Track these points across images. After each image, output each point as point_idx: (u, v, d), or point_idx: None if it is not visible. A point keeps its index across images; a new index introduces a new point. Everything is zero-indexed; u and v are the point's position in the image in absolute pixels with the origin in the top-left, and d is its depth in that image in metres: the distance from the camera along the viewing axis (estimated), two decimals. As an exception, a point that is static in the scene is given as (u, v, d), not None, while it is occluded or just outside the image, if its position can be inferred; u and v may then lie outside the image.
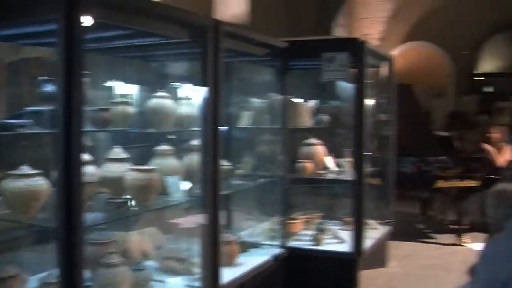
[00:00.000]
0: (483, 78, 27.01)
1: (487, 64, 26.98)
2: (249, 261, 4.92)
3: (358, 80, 5.41)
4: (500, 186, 3.48)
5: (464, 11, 22.49)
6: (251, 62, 5.42)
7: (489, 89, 26.82)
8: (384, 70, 6.71)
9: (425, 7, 21.72)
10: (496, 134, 8.99)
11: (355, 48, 5.39)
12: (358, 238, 5.52)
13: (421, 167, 8.56)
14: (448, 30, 23.01)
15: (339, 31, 15.52)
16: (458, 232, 7.89)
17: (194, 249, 4.22)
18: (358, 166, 5.54)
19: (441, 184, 7.84)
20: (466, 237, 7.84)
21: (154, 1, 3.52)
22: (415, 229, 8.81)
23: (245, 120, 5.55)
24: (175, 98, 4.31)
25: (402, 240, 7.73)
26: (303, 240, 5.88)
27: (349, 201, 6.37)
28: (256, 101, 5.74)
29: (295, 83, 5.72)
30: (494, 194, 3.42)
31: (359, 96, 5.44)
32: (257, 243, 5.47)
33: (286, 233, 5.60)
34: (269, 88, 5.65)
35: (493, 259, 3.10)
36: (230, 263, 4.67)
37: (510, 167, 4.62)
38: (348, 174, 6.00)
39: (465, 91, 24.39)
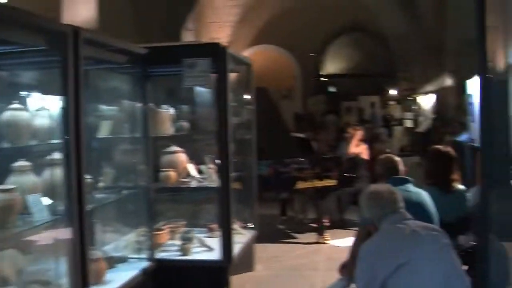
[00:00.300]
0: (327, 79, 28.18)
1: (332, 66, 28.17)
2: (118, 278, 4.71)
3: (220, 85, 5.35)
4: (373, 187, 3.54)
5: (308, 15, 23.26)
6: (110, 69, 5.19)
7: (333, 89, 28.03)
8: (243, 74, 6.72)
9: (271, 11, 22.22)
10: (353, 133, 9.34)
11: (216, 53, 5.32)
12: (226, 245, 5.45)
13: (277, 169, 8.70)
14: (294, 33, 23.69)
15: (188, 36, 15.43)
16: (319, 231, 8.09)
17: (60, 269, 3.94)
18: (224, 172, 5.47)
19: (300, 185, 7.98)
20: (327, 234, 8.06)
21: (7, 6, 3.22)
22: (277, 231, 8.94)
23: (104, 129, 5.28)
24: (31, 109, 4.01)
25: (267, 243, 7.79)
26: (170, 251, 5.73)
27: (213, 207, 6.33)
28: (115, 110, 5.50)
29: (155, 90, 5.56)
30: (368, 196, 3.47)
31: (222, 101, 5.37)
32: (124, 257, 5.24)
33: (153, 245, 5.43)
34: (128, 96, 5.44)
35: (371, 259, 3.15)
36: (99, 281, 4.43)
37: (382, 166, 4.71)
38: (211, 181, 5.94)
39: (311, 92, 25.27)
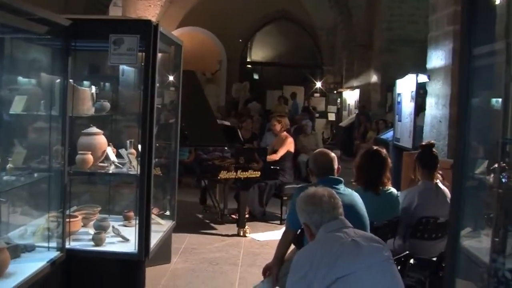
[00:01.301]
0: (252, 66, 28.07)
1: (258, 53, 28.05)
2: (23, 269, 4.27)
3: (149, 65, 4.97)
4: (312, 190, 3.26)
5: (238, 1, 23.06)
6: (29, 39, 4.71)
7: (255, 76, 27.97)
8: (172, 55, 6.37)
9: (201, -7, 21.86)
10: (277, 124, 9.11)
11: (146, 31, 4.93)
12: (143, 238, 5.08)
13: (200, 156, 8.40)
14: (222, 18, 23.46)
15: (115, 11, 14.90)
16: (239, 223, 7.84)
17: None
18: (145, 159, 5.09)
19: (223, 174, 7.70)
20: (247, 227, 7.83)
21: None
22: (196, 220, 8.64)
23: (18, 105, 4.80)
24: None
25: (185, 232, 7.49)
26: (83, 240, 5.32)
27: (130, 194, 5.99)
28: (32, 84, 5.04)
29: (77, 65, 5.12)
30: (306, 199, 3.20)
31: (149, 82, 4.99)
32: (32, 245, 4.79)
33: (64, 233, 5.00)
34: (47, 70, 4.99)
35: (305, 269, 2.90)
36: (1, 274, 4.00)
37: (316, 163, 4.45)
38: (131, 167, 5.57)
39: (236, 78, 25.08)
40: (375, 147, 5.14)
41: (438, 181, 5.19)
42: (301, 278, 2.90)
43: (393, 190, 5.01)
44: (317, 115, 20.30)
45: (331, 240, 2.98)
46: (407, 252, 4.19)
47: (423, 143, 5.42)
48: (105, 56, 4.99)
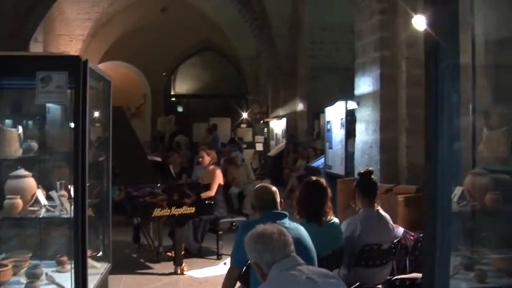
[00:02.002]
0: (176, 99, 27.90)
1: (182, 85, 27.93)
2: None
3: (79, 102, 4.76)
4: (261, 228, 3.13)
5: (161, 33, 22.96)
6: None
7: (181, 109, 27.82)
8: (101, 91, 6.16)
9: (124, 27, 21.68)
10: (206, 157, 8.98)
11: (75, 67, 4.73)
12: (81, 284, 4.82)
13: (130, 193, 8.16)
14: (145, 51, 23.29)
15: (36, 48, 14.54)
16: (176, 260, 7.62)
17: None
18: (79, 201, 4.84)
19: (156, 212, 7.48)
20: (184, 264, 7.62)
21: None
22: (131, 260, 8.37)
23: None
24: None
25: (120, 273, 7.20)
26: (15, 290, 5.01)
27: (61, 237, 5.70)
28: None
29: (3, 104, 4.86)
30: (255, 238, 3.06)
31: (81, 120, 4.77)
32: (-43, 301, 4.47)
33: (-6, 284, 4.70)
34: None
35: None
36: None
37: (259, 198, 4.34)
38: (62, 209, 5.30)
39: (161, 112, 24.86)
40: (314, 178, 5.08)
41: (379, 207, 5.19)
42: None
43: (335, 220, 4.98)
44: (244, 146, 20.23)
45: (285, 280, 2.86)
46: (358, 283, 4.13)
47: (362, 171, 5.41)
48: (31, 94, 4.76)
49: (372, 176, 5.26)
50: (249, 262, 3.90)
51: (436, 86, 2.10)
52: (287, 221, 4.12)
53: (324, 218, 4.81)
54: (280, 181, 15.69)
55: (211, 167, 8.98)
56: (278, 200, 4.31)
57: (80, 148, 4.77)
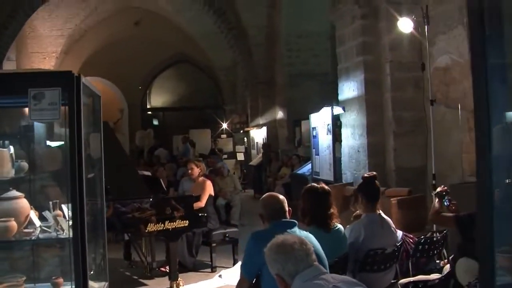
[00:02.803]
0: (152, 112, 27.74)
1: (159, 99, 27.78)
2: None
3: (74, 119, 4.64)
4: (281, 238, 3.03)
5: (135, 48, 22.86)
6: None
7: (156, 122, 27.65)
8: (91, 107, 6.04)
9: (97, 43, 21.55)
10: (195, 168, 8.86)
11: (68, 83, 4.61)
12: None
13: (118, 209, 8.01)
14: (120, 66, 23.14)
15: (9, 66, 14.32)
16: (171, 276, 7.47)
17: None
18: (78, 219, 4.71)
19: (150, 227, 7.33)
20: (180, 279, 7.48)
21: None
22: (123, 277, 8.20)
23: None
24: None
25: (114, 292, 7.05)
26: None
27: (55, 258, 5.57)
28: None
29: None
30: (276, 249, 2.97)
31: (77, 137, 4.65)
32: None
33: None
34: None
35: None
36: None
37: (268, 207, 4.25)
38: (57, 229, 5.16)
39: (139, 126, 24.67)
40: (318, 185, 5.00)
41: (380, 211, 5.14)
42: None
43: (340, 226, 4.91)
44: (225, 156, 20.09)
45: (311, 290, 2.78)
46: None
47: (366, 175, 5.36)
48: (17, 112, 4.64)
49: (376, 181, 5.20)
50: (259, 273, 3.83)
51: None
52: (297, 230, 4.05)
53: (331, 224, 4.74)
54: (263, 189, 15.60)
55: (201, 178, 8.86)
56: (287, 208, 4.22)
57: (76, 164, 4.65)
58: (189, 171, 9.16)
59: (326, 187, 4.94)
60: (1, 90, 4.63)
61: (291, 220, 4.14)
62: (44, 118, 4.70)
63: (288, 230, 3.87)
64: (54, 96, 4.53)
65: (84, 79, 4.78)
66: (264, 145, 18.31)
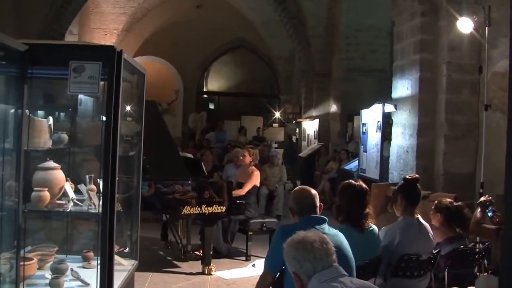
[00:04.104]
0: (208, 96, 27.82)
1: (215, 83, 27.84)
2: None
3: (112, 95, 4.59)
4: (301, 234, 2.90)
5: (195, 30, 22.88)
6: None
7: (212, 106, 27.72)
8: (135, 84, 6.01)
9: (158, 23, 21.66)
10: (247, 156, 8.78)
11: (109, 58, 4.57)
12: (106, 283, 4.64)
13: (160, 189, 7.98)
14: (179, 47, 23.23)
15: (71, 39, 14.56)
16: (204, 260, 7.44)
17: None
18: (108, 196, 4.68)
19: (186, 209, 7.30)
20: (212, 265, 7.44)
21: None
22: (158, 257, 8.24)
23: (-33, 138, 4.37)
24: None
25: (146, 271, 7.06)
26: (39, 286, 4.86)
27: (89, 232, 5.57)
28: (-17, 115, 4.62)
29: (34, 94, 4.72)
30: (295, 246, 2.85)
31: (113, 113, 4.61)
32: (-20, 294, 4.34)
33: (18, 278, 4.54)
34: (1, 99, 4.57)
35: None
36: None
37: (298, 201, 4.12)
38: (91, 203, 5.16)
39: (193, 108, 24.76)
40: (356, 181, 4.82)
41: (418, 216, 4.95)
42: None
43: (375, 227, 4.73)
44: (275, 145, 19.92)
45: (326, 293, 2.64)
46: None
47: (408, 177, 5.14)
48: (63, 84, 4.61)
49: (418, 184, 5.00)
50: (284, 267, 3.71)
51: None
52: (326, 227, 3.90)
53: (366, 224, 4.56)
54: (311, 183, 15.43)
55: (251, 167, 8.78)
56: (318, 204, 4.08)
57: (111, 141, 4.61)
58: (241, 158, 9.09)
59: (364, 185, 4.75)
60: (43, 61, 4.60)
61: (321, 216, 4.00)
62: (83, 91, 4.69)
63: (317, 227, 3.73)
64: (95, 70, 4.50)
65: (126, 55, 4.73)
66: (319, 137, 18.09)
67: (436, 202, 5.45)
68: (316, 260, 2.77)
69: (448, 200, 5.43)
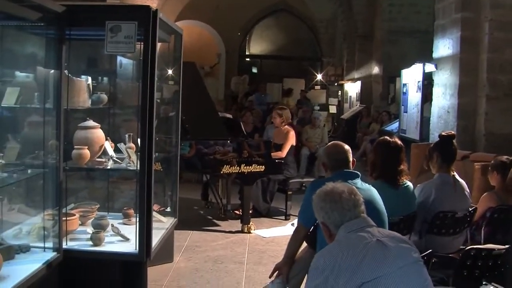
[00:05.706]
0: (250, 59, 27.75)
1: (257, 46, 27.74)
2: (17, 272, 3.99)
3: (147, 55, 4.67)
4: (330, 186, 2.94)
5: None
6: (19, 27, 4.40)
7: (255, 70, 27.65)
8: (172, 45, 6.07)
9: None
10: (277, 118, 8.80)
11: (146, 18, 4.63)
12: (145, 237, 4.79)
13: (200, 150, 8.09)
14: (221, 11, 23.16)
15: (112, 1, 14.63)
16: (243, 219, 7.55)
17: None
18: (145, 154, 4.79)
19: (225, 169, 7.39)
20: (251, 223, 7.55)
21: None
22: (198, 216, 8.38)
23: (9, 98, 4.50)
24: None
25: (186, 229, 7.22)
26: (80, 240, 5.04)
27: (130, 190, 5.71)
28: (24, 76, 4.75)
29: (73, 55, 4.82)
30: (323, 197, 2.88)
31: (149, 73, 4.69)
32: (27, 246, 4.50)
33: (61, 233, 4.72)
34: (41, 61, 4.69)
35: (326, 274, 2.60)
36: (-8, 278, 3.72)
37: (331, 156, 4.15)
38: (130, 162, 5.29)
39: (235, 72, 24.75)
40: (390, 138, 4.81)
41: (455, 173, 4.92)
42: (321, 283, 2.59)
43: (410, 184, 4.72)
44: (317, 107, 19.85)
45: (353, 241, 2.67)
46: (430, 250, 3.90)
47: (444, 133, 5.07)
48: (102, 46, 4.71)
49: (454, 141, 4.96)
50: (316, 222, 3.76)
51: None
52: (359, 181, 3.93)
53: (398, 180, 4.56)
54: (353, 144, 15.38)
55: (285, 127, 8.79)
56: (351, 159, 4.11)
57: (147, 101, 4.71)
58: (272, 119, 9.15)
59: (399, 142, 4.74)
60: (81, 22, 4.70)
61: (353, 171, 4.03)
62: (120, 50, 4.78)
63: (349, 181, 3.74)
64: (130, 30, 4.58)
65: (161, 15, 4.79)
66: (361, 98, 17.97)
67: (492, 161, 5.38)
68: (344, 210, 2.80)
69: (505, 156, 5.35)
